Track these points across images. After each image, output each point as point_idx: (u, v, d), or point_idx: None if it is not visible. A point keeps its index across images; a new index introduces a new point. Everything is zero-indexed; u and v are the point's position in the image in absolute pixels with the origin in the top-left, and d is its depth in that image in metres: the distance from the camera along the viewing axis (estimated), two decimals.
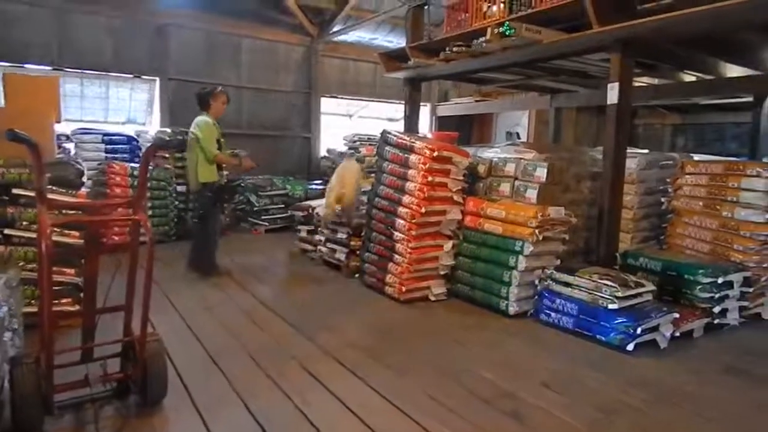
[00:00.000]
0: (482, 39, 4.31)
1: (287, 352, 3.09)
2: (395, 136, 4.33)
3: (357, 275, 4.66)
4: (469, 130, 10.36)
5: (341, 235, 4.94)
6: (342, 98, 9.43)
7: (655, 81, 6.09)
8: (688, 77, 5.75)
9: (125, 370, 2.26)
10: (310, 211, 5.41)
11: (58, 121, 4.25)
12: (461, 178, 4.15)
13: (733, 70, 5.29)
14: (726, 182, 3.95)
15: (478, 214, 4.04)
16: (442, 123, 9.76)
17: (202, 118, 4.55)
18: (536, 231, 3.66)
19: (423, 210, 3.95)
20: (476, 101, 8.97)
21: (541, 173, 3.85)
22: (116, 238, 5.59)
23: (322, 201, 5.56)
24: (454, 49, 4.71)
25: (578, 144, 7.96)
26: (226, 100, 4.72)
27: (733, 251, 3.88)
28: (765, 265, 3.80)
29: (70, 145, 6.40)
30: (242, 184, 7.32)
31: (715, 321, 3.56)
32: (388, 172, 4.31)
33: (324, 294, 4.39)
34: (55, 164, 3.48)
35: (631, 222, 4.65)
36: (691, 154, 5.41)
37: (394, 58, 5.87)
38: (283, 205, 7.34)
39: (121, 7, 7.11)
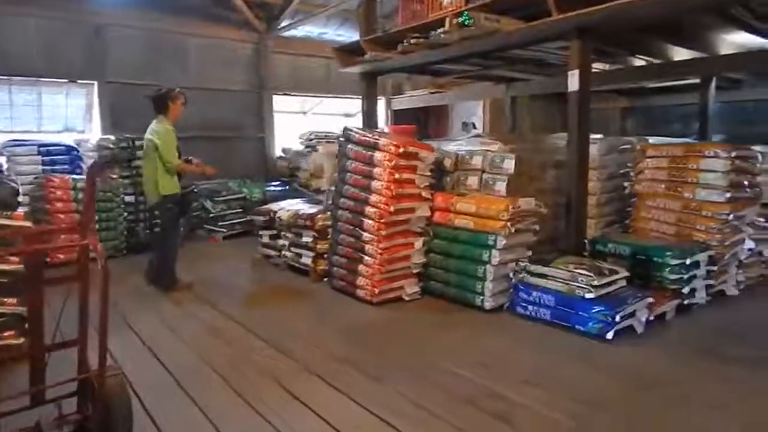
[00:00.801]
0: (441, 30, 4.23)
1: (260, 370, 2.93)
2: (358, 133, 4.22)
3: (326, 279, 4.54)
4: (425, 122, 10.31)
5: (306, 239, 4.81)
6: (295, 95, 9.24)
7: (606, 66, 6.20)
8: (638, 61, 5.88)
9: (83, 411, 2.03)
10: (272, 215, 5.22)
11: None
12: (428, 173, 4.08)
13: (680, 53, 5.43)
14: (686, 164, 4.04)
15: (447, 209, 3.99)
16: (397, 116, 9.69)
17: (159, 125, 4.32)
18: (508, 224, 3.62)
19: (392, 208, 3.87)
20: (431, 93, 8.92)
21: (509, 165, 3.82)
22: (61, 256, 5.22)
23: (284, 204, 5.42)
24: (412, 41, 4.61)
25: (535, 132, 8.04)
26: (184, 102, 4.51)
27: (696, 231, 3.97)
28: (727, 243, 3.91)
29: (1, 159, 5.94)
30: (196, 190, 6.92)
31: (685, 302, 3.64)
32: (352, 170, 4.20)
33: (293, 302, 4.24)
34: None
35: (595, 207, 4.71)
36: (647, 138, 5.54)
37: (348, 53, 5.72)
38: (240, 210, 7.12)
39: (54, 8, 6.64)
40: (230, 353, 3.19)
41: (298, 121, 9.51)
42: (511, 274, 3.71)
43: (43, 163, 6.12)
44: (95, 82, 7.12)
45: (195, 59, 7.93)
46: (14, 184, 3.25)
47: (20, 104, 6.80)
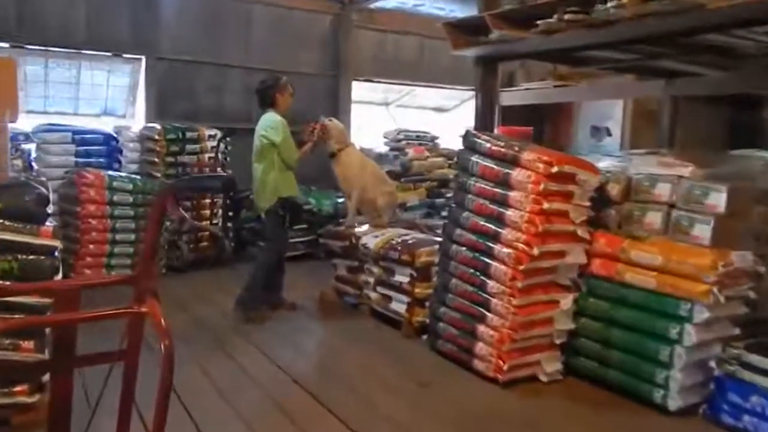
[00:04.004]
0: (611, 3, 3.72)
1: None
2: (488, 141, 3.80)
3: (425, 337, 4.18)
4: (539, 124, 9.72)
5: (401, 278, 4.47)
6: (379, 82, 9.04)
7: None
8: None
9: None
10: (354, 240, 4.95)
11: (14, 120, 3.73)
12: (587, 203, 3.58)
13: None
14: None
15: (614, 257, 3.47)
16: (505, 115, 9.17)
17: (272, 119, 4.64)
18: (715, 288, 3.00)
19: (535, 251, 3.39)
20: (555, 87, 8.31)
21: (718, 200, 3.20)
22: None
23: (372, 227, 5.19)
24: (566, 16, 4.08)
25: (695, 147, 7.28)
26: (292, 92, 4.85)
27: None
28: None
29: (31, 146, 5.98)
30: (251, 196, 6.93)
31: None
32: (476, 192, 3.78)
33: (379, 365, 3.84)
34: (6, 188, 2.93)
35: None
36: None
37: (465, 30, 5.27)
38: (305, 226, 6.90)
39: None
40: None
41: (379, 115, 9.38)
42: (712, 363, 3.10)
43: (77, 155, 6.17)
44: (143, 57, 7.12)
45: (260, 34, 7.88)
46: (43, 189, 3.02)
47: (56, 81, 6.90)
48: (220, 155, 6.56)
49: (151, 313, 1.60)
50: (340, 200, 7.16)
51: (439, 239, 4.20)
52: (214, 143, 6.55)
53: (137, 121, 7.17)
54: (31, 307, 2.69)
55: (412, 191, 7.44)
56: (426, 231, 5.28)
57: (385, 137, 7.96)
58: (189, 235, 6.23)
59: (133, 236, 5.60)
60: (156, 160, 6.24)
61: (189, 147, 6.42)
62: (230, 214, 6.58)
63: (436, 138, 8.44)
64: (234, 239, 6.62)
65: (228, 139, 6.67)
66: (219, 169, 6.47)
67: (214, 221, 6.57)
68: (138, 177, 5.94)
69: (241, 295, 4.68)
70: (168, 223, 5.90)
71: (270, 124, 4.61)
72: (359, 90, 8.87)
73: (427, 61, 8.95)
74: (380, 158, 7.68)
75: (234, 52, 7.58)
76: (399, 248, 4.52)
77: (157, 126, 6.38)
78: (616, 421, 3.16)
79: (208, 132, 6.60)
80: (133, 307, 1.65)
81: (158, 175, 6.14)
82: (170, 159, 6.29)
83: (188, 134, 6.43)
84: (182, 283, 5.61)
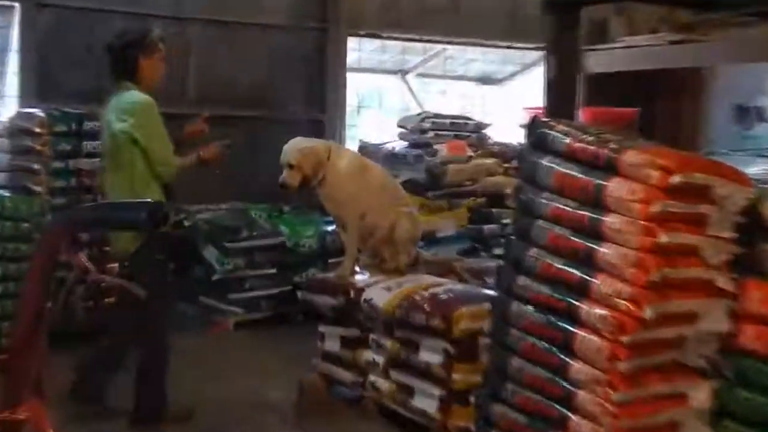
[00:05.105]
0: None
1: None
2: (568, 134, 3.83)
3: None
4: (648, 104, 9.80)
5: (429, 356, 4.65)
6: (391, 38, 9.21)
7: None
8: None
9: None
10: (352, 294, 5.09)
11: None
12: (730, 233, 3.56)
13: None
14: None
15: None
16: (593, 89, 9.24)
17: (133, 97, 4.67)
18: None
19: (647, 312, 3.35)
20: (674, 43, 8.39)
21: None
22: None
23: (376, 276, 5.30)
24: None
25: None
26: (163, 55, 4.92)
27: None
28: None
29: None
30: (187, 221, 7.10)
31: None
32: (551, 217, 3.80)
33: None
34: None
35: None
36: None
37: None
38: (273, 270, 7.18)
39: None
40: None
41: (391, 90, 9.60)
42: None
43: None
44: (16, 4, 7.27)
45: None
46: None
47: None
48: None
49: (33, 421, 1.57)
50: (330, 228, 7.29)
51: (492, 292, 4.21)
52: None
53: (5, 104, 7.38)
54: None
55: (445, 213, 7.52)
56: (469, 278, 5.41)
57: (401, 126, 8.05)
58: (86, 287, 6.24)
59: None
60: (35, 166, 6.30)
61: (88, 146, 6.51)
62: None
63: (483, 127, 8.57)
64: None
65: None
66: None
67: None
68: (5, 193, 6.03)
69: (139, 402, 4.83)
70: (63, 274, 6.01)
71: (129, 108, 4.66)
72: (360, 52, 9.02)
73: (467, 5, 9.11)
74: (393, 160, 7.86)
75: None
76: (425, 308, 4.52)
77: (38, 112, 6.46)
78: None
79: None
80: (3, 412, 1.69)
81: (38, 189, 6.21)
82: (58, 165, 6.38)
83: (87, 125, 6.53)
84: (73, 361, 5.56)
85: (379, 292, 4.87)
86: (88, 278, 5.80)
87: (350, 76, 8.84)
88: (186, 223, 6.91)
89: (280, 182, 5.36)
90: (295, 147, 5.37)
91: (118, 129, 4.63)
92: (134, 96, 4.69)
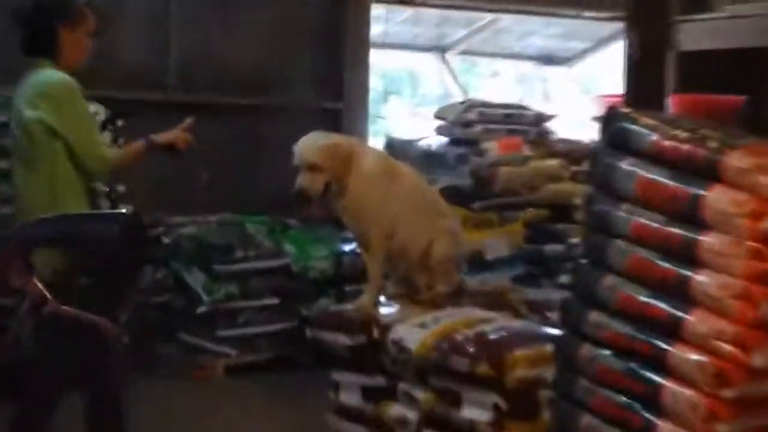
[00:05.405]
0: None
1: None
2: (655, 128, 3.74)
3: None
4: (754, 90, 9.58)
5: (474, 412, 4.68)
6: (425, 5, 9.30)
7: None
8: None
9: None
10: (377, 334, 5.20)
11: None
12: None
13: None
14: None
15: None
16: (687, 72, 9.06)
17: (52, 77, 4.65)
18: None
19: (756, 359, 3.22)
20: None
21: None
22: None
23: (406, 313, 5.42)
24: None
25: None
26: (92, 27, 4.88)
27: None
28: None
29: None
30: (163, 237, 7.61)
31: None
32: (633, 235, 3.68)
33: None
34: None
35: None
36: None
37: None
38: (276, 298, 7.43)
39: None
40: None
41: (426, 72, 9.74)
42: None
43: None
44: None
45: None
46: None
47: None
48: None
49: None
50: (348, 248, 7.47)
51: (555, 331, 4.37)
52: None
53: None
54: None
55: (496, 230, 7.53)
56: (526, 313, 5.53)
57: (439, 117, 8.20)
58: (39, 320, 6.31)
59: None
60: None
61: None
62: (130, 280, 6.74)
63: (545, 119, 8.55)
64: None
65: (120, 123, 6.83)
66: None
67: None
68: None
69: None
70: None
71: (43, 91, 4.61)
72: (386, 23, 9.16)
73: None
74: (428, 161, 7.94)
75: None
76: (470, 350, 4.63)
77: None
78: None
79: None
80: None
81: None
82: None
83: None
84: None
85: (411, 330, 4.98)
86: (45, 309, 5.92)
87: (374, 54, 8.96)
88: (164, 240, 7.15)
89: (296, 188, 5.24)
90: (315, 143, 5.33)
91: (30, 118, 4.53)
92: (50, 76, 4.61)
